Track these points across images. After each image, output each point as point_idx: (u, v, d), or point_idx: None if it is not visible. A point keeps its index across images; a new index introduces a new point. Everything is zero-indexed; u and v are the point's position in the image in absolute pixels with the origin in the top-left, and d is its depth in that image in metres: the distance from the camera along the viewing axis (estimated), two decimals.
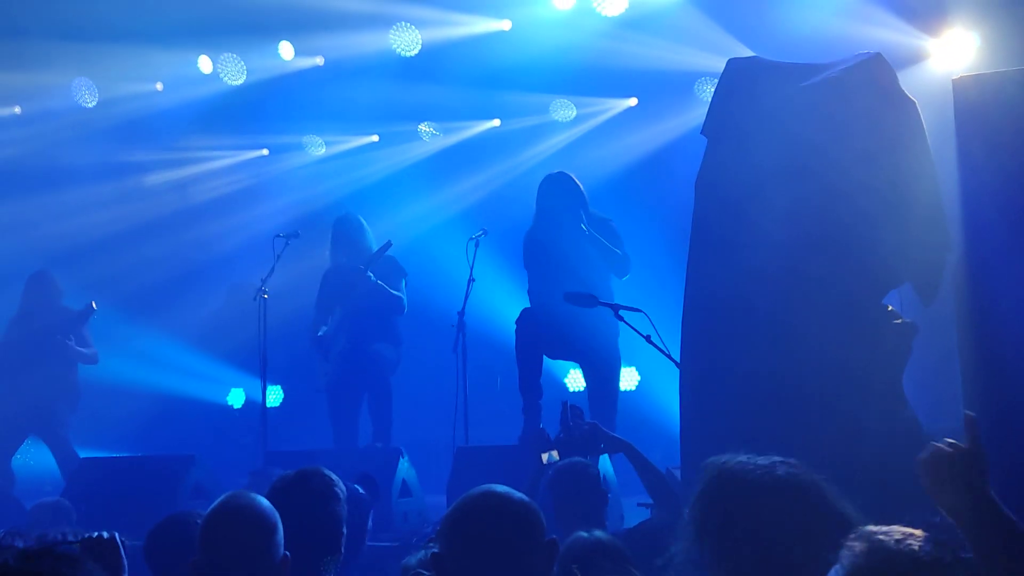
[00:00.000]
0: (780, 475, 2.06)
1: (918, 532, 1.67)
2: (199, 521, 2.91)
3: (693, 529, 2.04)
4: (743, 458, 2.07)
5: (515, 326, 5.85)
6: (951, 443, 1.87)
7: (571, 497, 3.87)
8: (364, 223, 6.94)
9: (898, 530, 1.67)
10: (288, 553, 2.42)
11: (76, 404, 7.68)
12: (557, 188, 6.01)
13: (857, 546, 1.65)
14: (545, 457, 4.30)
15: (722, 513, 2.00)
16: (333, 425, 6.77)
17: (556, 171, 6.20)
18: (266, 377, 6.83)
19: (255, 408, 7.66)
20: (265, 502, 2.46)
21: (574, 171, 6.50)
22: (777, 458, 2.08)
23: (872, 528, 1.72)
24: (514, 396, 6.02)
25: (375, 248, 6.76)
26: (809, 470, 2.09)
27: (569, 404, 4.57)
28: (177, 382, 8.95)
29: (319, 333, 6.84)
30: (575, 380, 7.99)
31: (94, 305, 7.40)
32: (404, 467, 5.76)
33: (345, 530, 2.88)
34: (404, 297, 6.73)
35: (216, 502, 2.49)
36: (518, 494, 2.17)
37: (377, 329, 6.68)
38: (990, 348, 4.13)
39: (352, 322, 6.69)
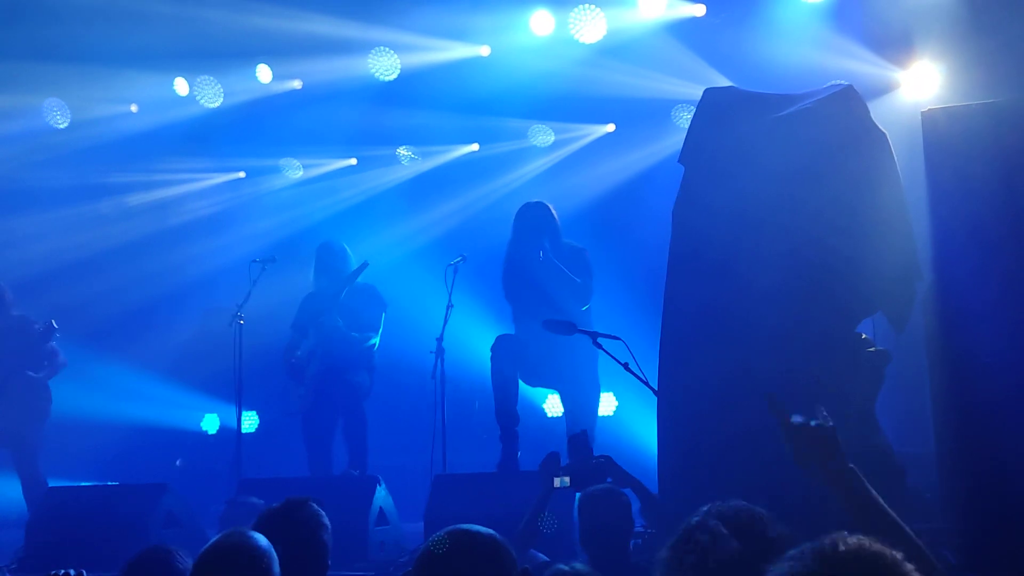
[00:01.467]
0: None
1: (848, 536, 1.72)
2: (176, 557, 2.88)
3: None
4: (711, 512, 2.12)
5: (490, 353, 5.85)
6: (800, 422, 2.20)
7: (601, 523, 3.88)
8: (347, 249, 6.91)
9: (828, 537, 1.72)
10: None
11: (43, 424, 7.44)
12: (529, 217, 6.05)
13: (794, 554, 1.68)
14: (557, 482, 4.31)
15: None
16: (307, 450, 6.72)
17: (534, 200, 6.23)
18: (241, 403, 6.78)
19: (229, 434, 7.58)
20: (262, 539, 2.41)
21: (551, 196, 6.53)
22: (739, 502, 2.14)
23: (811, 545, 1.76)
24: (491, 422, 6.01)
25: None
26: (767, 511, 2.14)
27: (581, 433, 4.59)
28: (150, 408, 8.83)
29: (293, 356, 6.79)
30: (552, 407, 7.99)
31: (54, 324, 7.22)
32: (381, 495, 5.71)
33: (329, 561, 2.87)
34: (376, 334, 6.68)
35: (211, 541, 2.45)
36: (486, 530, 2.23)
37: (350, 354, 6.64)
38: (959, 373, 4.20)
39: (325, 347, 6.65)
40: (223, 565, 2.33)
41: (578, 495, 4.18)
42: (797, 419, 2.21)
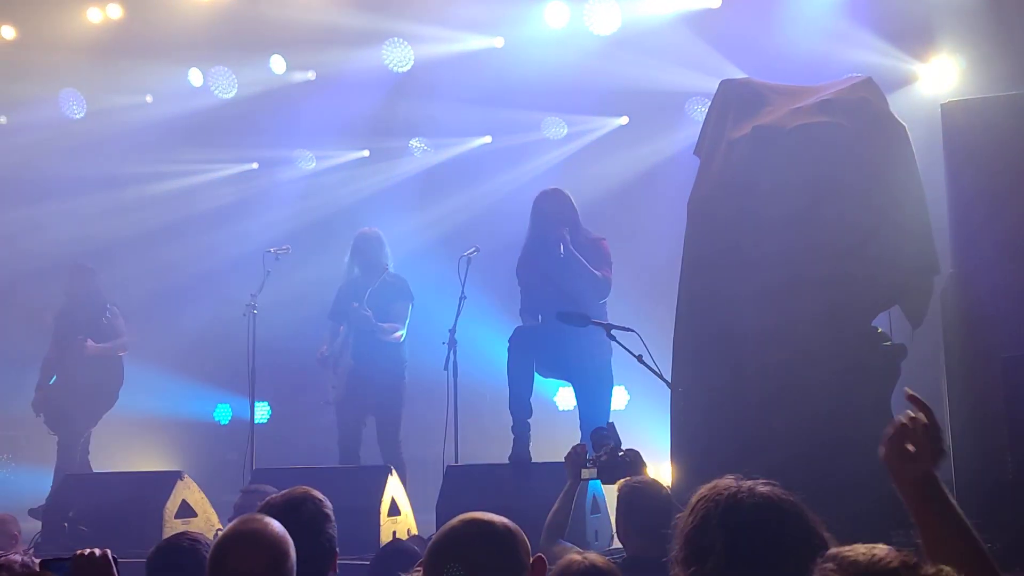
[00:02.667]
0: (763, 494, 2.06)
1: (881, 545, 1.70)
2: (202, 546, 2.87)
3: (682, 557, 2.04)
4: (727, 481, 2.07)
5: (508, 344, 5.84)
6: (911, 415, 1.95)
7: (638, 515, 3.85)
8: (384, 240, 6.91)
9: (860, 546, 1.70)
10: None
11: (98, 409, 7.42)
12: (548, 206, 6.00)
13: (829, 566, 1.66)
14: (585, 474, 4.28)
15: (708, 537, 2.00)
16: (339, 440, 6.75)
17: (551, 187, 6.19)
18: (254, 393, 6.79)
19: (242, 424, 7.60)
20: (278, 526, 2.38)
21: (565, 188, 6.50)
22: (760, 479, 2.08)
23: (837, 549, 1.74)
24: (504, 414, 6.00)
25: (390, 266, 6.81)
26: (788, 492, 2.09)
27: (609, 426, 4.56)
28: (164, 398, 8.87)
29: (326, 346, 6.81)
30: (564, 399, 7.98)
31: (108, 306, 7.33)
32: (393, 485, 5.72)
33: (338, 550, 2.85)
34: (403, 326, 6.71)
35: (228, 526, 2.43)
36: (500, 518, 2.21)
37: (379, 346, 6.66)
38: (978, 367, 4.16)
39: (356, 338, 6.70)
40: (242, 550, 2.31)
41: (618, 486, 4.12)
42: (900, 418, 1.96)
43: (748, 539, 1.96)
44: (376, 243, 6.84)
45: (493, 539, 2.15)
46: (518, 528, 2.23)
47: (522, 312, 6.07)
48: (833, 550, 1.72)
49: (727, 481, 2.07)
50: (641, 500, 3.89)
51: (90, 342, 7.28)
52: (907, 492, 1.93)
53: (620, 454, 4.36)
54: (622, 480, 4.10)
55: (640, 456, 4.42)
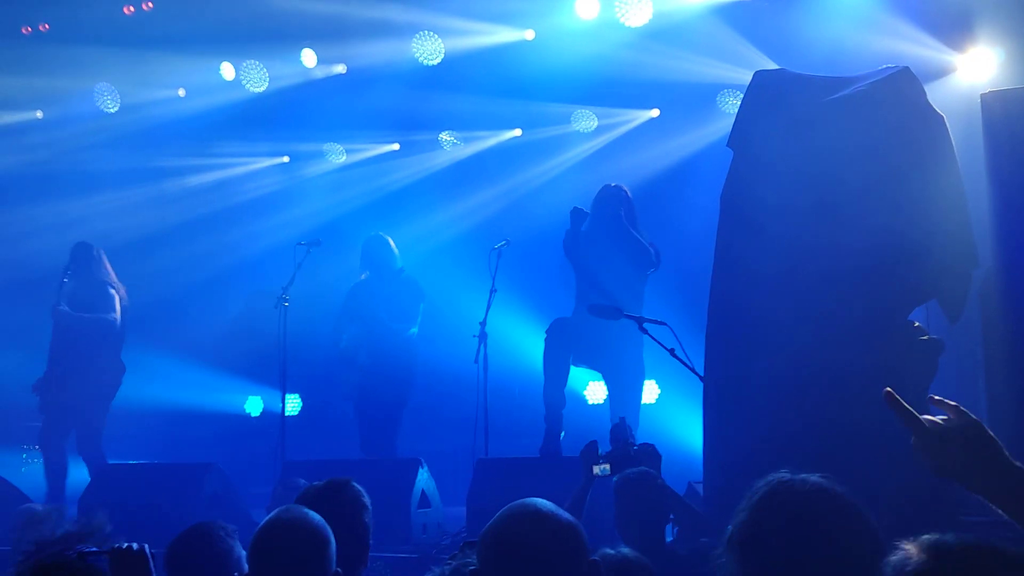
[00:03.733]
0: (817, 485, 2.03)
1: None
2: (223, 532, 2.88)
3: (738, 547, 2.00)
4: (786, 475, 2.04)
5: (545, 335, 5.85)
6: (932, 420, 1.73)
7: (635, 506, 3.86)
8: (391, 242, 7.03)
9: (941, 536, 1.60)
10: (340, 570, 2.37)
11: (108, 402, 7.10)
12: (607, 194, 6.14)
13: (912, 550, 1.56)
14: (597, 470, 4.28)
15: (767, 528, 1.96)
16: (359, 434, 6.83)
17: (613, 184, 6.30)
18: (285, 386, 6.83)
19: (273, 417, 7.65)
20: (317, 517, 2.39)
21: (595, 182, 6.52)
22: (816, 475, 2.04)
23: (919, 539, 1.65)
24: (534, 407, 5.99)
25: (398, 265, 6.90)
26: (844, 486, 2.05)
27: (620, 420, 4.56)
28: (195, 390, 8.95)
29: (340, 343, 6.91)
30: (594, 394, 7.95)
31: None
32: (423, 477, 5.73)
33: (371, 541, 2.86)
34: (414, 324, 6.84)
35: (268, 516, 2.44)
36: (563, 512, 2.08)
37: (392, 344, 6.79)
38: (1020, 361, 4.08)
39: (370, 337, 6.81)
40: (283, 541, 2.32)
41: (614, 479, 4.14)
42: (928, 419, 1.72)
43: (803, 529, 1.94)
44: (383, 246, 6.97)
45: (560, 535, 1.99)
46: (580, 526, 2.07)
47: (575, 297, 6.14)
48: (918, 539, 1.60)
49: (781, 474, 2.03)
50: (635, 492, 3.89)
51: (64, 307, 6.87)
52: (985, 495, 1.70)
53: (634, 450, 4.35)
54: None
55: (655, 449, 4.41)
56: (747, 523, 1.98)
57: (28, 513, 4.96)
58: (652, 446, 4.46)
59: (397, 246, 7.04)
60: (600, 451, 4.39)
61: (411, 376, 6.85)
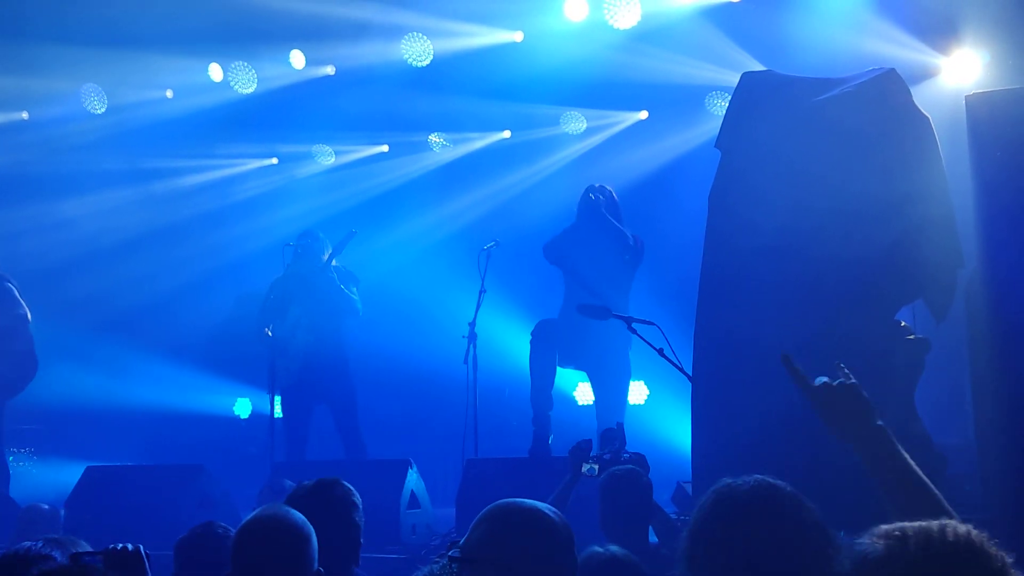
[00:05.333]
0: (763, 486, 2.04)
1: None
2: (230, 534, 2.89)
3: (685, 557, 2.02)
4: (727, 479, 2.06)
5: (530, 337, 5.85)
6: (826, 382, 2.10)
7: (621, 504, 3.88)
8: (323, 237, 6.95)
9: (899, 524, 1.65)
10: (322, 569, 2.38)
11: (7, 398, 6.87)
12: (583, 201, 6.14)
13: (871, 540, 1.60)
14: (585, 468, 4.30)
15: (708, 536, 1.98)
16: (287, 431, 6.72)
17: (597, 184, 6.32)
18: (274, 388, 6.81)
19: (261, 419, 7.63)
20: (299, 515, 2.40)
21: (583, 184, 6.53)
22: (757, 476, 2.07)
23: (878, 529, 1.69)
24: (523, 408, 6.00)
25: (325, 259, 6.80)
26: (787, 484, 2.07)
27: (617, 426, 4.58)
28: (184, 392, 8.92)
29: (267, 330, 6.79)
30: (582, 395, 7.97)
31: None
32: (413, 478, 5.73)
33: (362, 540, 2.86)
34: (358, 300, 6.74)
35: (249, 515, 2.44)
36: (550, 509, 2.11)
37: (333, 333, 6.72)
38: (1004, 363, 4.12)
39: (308, 325, 6.70)
40: (263, 539, 2.33)
41: (601, 477, 4.17)
42: (821, 380, 2.13)
43: (743, 530, 1.95)
44: (318, 239, 6.91)
45: (554, 532, 2.04)
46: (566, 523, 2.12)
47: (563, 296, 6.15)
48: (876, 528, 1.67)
49: (723, 480, 2.06)
50: (620, 490, 3.92)
51: None
52: (865, 452, 2.04)
53: (624, 456, 4.38)
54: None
55: (644, 460, 4.44)
56: (693, 534, 2.00)
57: (33, 512, 4.95)
58: (642, 456, 4.48)
59: (379, 247, 6.95)
60: (592, 452, 4.41)
61: (350, 367, 6.80)
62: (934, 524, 1.49)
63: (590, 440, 4.53)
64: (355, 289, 6.82)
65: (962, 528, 1.47)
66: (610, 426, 4.76)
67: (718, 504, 2.01)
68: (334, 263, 6.78)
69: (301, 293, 6.72)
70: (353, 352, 6.84)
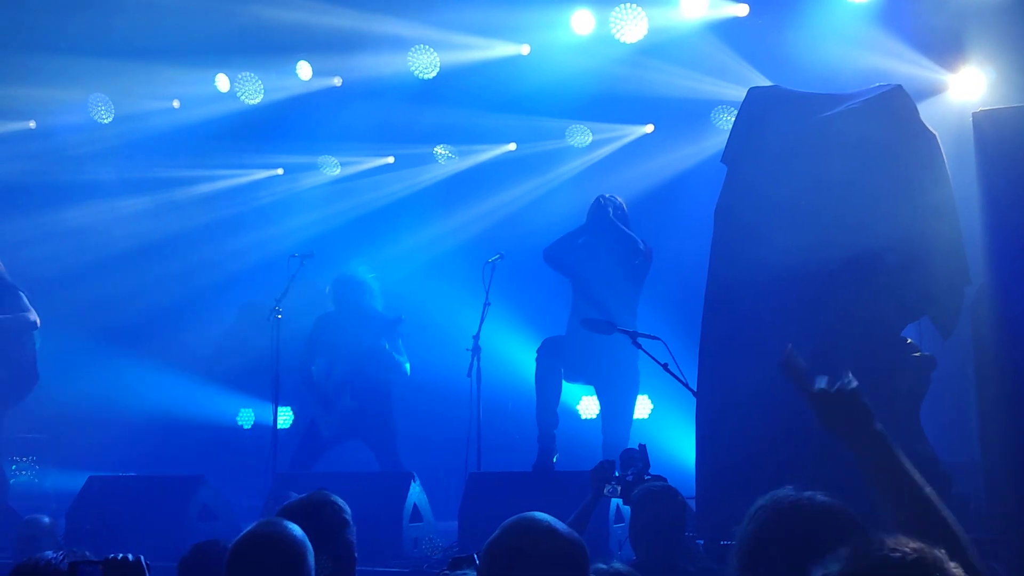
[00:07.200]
0: (823, 504, 2.04)
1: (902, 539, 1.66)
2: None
3: (743, 565, 2.00)
4: (791, 492, 2.05)
5: (536, 355, 5.83)
6: (823, 389, 2.05)
7: (655, 521, 3.85)
8: (366, 280, 7.07)
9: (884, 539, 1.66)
10: None
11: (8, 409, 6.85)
12: (592, 211, 6.14)
13: (842, 553, 1.62)
14: (607, 489, 4.27)
15: (774, 547, 1.96)
16: (300, 443, 6.87)
17: (607, 194, 6.32)
18: (278, 398, 6.81)
19: (265, 429, 7.62)
20: (296, 530, 2.37)
21: (588, 197, 6.52)
22: (820, 494, 2.06)
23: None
24: (527, 421, 5.97)
25: (378, 307, 6.94)
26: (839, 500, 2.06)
27: (640, 448, 4.54)
28: (187, 401, 8.91)
29: (312, 369, 6.97)
30: (587, 409, 7.94)
31: None
32: (415, 491, 5.71)
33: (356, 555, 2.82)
34: (406, 361, 6.92)
35: (245, 530, 2.42)
36: (567, 527, 2.09)
37: (382, 396, 6.90)
38: (1011, 380, 4.09)
39: (354, 388, 6.88)
40: (260, 554, 2.31)
41: (634, 492, 4.12)
42: (821, 384, 2.07)
43: (812, 550, 1.93)
44: (358, 286, 7.05)
45: (566, 550, 2.01)
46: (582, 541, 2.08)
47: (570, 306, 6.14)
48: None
49: (786, 491, 2.04)
50: (655, 506, 3.89)
51: None
52: (865, 458, 1.98)
53: (646, 478, 4.34)
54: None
55: (667, 484, 4.38)
56: (752, 541, 1.97)
57: (33, 525, 4.93)
58: (664, 480, 4.43)
59: (384, 259, 7.02)
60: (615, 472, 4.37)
61: (391, 392, 6.94)
62: (885, 540, 1.48)
63: (613, 461, 4.49)
64: (401, 343, 6.93)
65: (914, 545, 1.47)
66: (617, 442, 4.73)
67: (783, 515, 2.00)
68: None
69: (348, 349, 6.86)
70: (399, 408, 7.00)
